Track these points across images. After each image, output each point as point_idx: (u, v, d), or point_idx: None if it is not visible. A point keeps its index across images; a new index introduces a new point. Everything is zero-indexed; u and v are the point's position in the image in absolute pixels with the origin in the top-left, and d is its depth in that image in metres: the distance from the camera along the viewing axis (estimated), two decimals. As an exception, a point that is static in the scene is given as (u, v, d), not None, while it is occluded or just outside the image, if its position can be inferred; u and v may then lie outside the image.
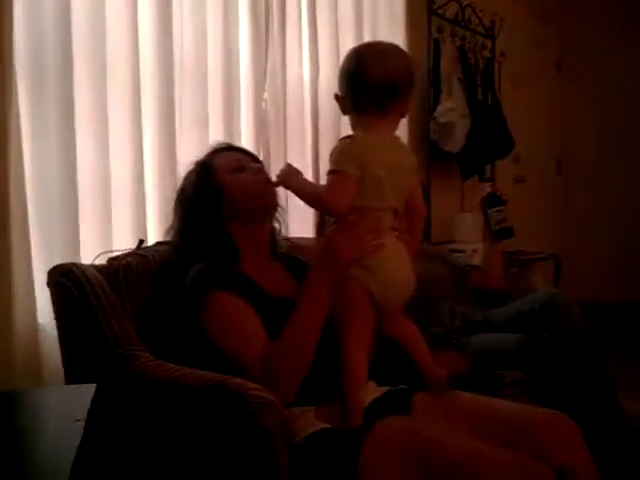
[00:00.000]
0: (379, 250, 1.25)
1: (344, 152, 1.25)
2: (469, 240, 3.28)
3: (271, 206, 1.52)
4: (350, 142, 1.27)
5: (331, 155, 1.27)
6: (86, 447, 0.77)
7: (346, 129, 2.53)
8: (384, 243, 1.25)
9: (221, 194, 1.47)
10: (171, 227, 1.55)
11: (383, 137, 1.29)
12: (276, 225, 1.60)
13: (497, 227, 2.19)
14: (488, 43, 3.71)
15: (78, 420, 0.86)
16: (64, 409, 1.05)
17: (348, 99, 1.30)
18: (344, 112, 1.33)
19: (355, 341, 1.23)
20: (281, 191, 1.51)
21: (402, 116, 1.33)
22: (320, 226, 1.40)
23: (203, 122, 2.06)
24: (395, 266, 1.28)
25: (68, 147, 1.69)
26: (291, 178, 1.31)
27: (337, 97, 1.33)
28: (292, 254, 1.76)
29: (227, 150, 1.59)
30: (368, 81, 1.25)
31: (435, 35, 3.33)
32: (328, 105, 2.49)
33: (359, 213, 1.26)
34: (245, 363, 1.26)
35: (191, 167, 1.56)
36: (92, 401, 0.95)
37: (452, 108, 3.24)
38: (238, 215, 1.47)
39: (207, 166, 1.52)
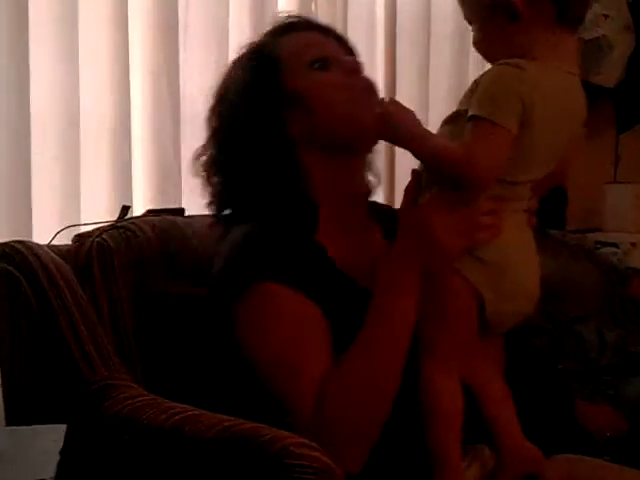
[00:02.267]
0: (495, 238, 1.24)
1: (507, 92, 1.19)
2: (626, 228, 3.26)
3: (371, 131, 1.35)
4: (517, 73, 1.20)
5: (479, 88, 1.21)
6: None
7: (439, 60, 2.59)
8: (501, 229, 1.24)
9: (294, 106, 1.39)
10: (206, 164, 1.46)
11: (564, 71, 1.25)
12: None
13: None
14: None
15: (42, 481, 0.89)
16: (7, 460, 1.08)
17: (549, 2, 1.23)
18: (511, 19, 1.24)
19: (444, 365, 1.25)
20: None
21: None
22: (413, 191, 1.36)
23: (219, 36, 2.09)
24: (523, 266, 1.28)
25: (18, 71, 1.74)
26: (399, 122, 1.24)
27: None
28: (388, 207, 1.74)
29: (300, 30, 1.48)
30: None
31: None
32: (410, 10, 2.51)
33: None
34: (291, 401, 1.26)
35: (239, 55, 1.47)
36: (61, 452, 0.97)
37: (606, 16, 3.20)
38: (320, 142, 1.40)
39: (268, 56, 1.42)
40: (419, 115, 1.28)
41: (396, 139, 1.27)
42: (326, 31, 1.50)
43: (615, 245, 3.15)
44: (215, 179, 1.45)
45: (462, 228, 1.23)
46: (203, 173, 1.47)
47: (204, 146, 1.47)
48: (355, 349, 1.26)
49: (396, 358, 1.26)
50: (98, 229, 1.60)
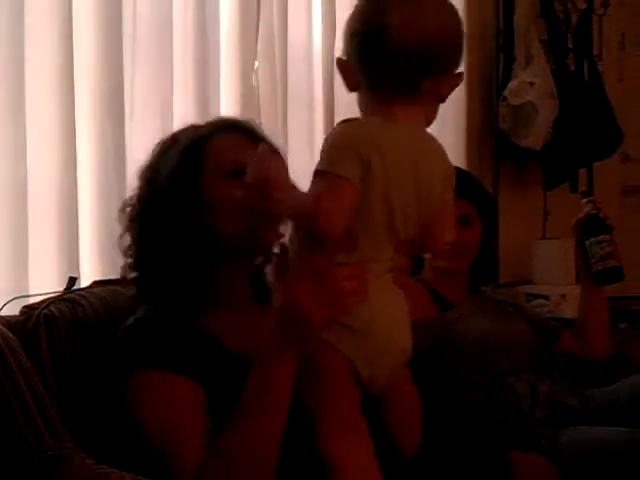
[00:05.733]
0: (362, 303, 1.23)
1: (345, 143, 1.20)
2: (555, 281, 3.30)
3: (266, 249, 1.51)
4: (355, 128, 1.22)
5: (324, 145, 1.23)
6: None
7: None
8: (368, 293, 1.23)
9: (202, 206, 1.47)
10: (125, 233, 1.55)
11: (408, 130, 1.24)
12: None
13: (599, 266, 2.18)
14: (584, -12, 3.75)
15: None
16: None
17: (358, 69, 1.26)
18: (351, 87, 1.29)
19: (336, 434, 1.23)
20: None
21: (441, 100, 1.28)
22: (280, 264, 1.37)
23: (164, 107, 2.11)
24: (390, 327, 1.27)
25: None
26: (263, 172, 1.26)
27: (341, 64, 1.28)
28: None
29: (238, 131, 1.55)
30: (392, 45, 1.20)
31: (507, -24, 3.38)
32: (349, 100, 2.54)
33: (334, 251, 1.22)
34: (175, 476, 1.29)
35: (177, 133, 1.57)
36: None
37: (531, 83, 3.27)
38: (222, 246, 1.48)
39: (196, 150, 1.49)
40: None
41: (260, 187, 1.27)
42: (258, 141, 1.52)
43: (545, 297, 3.19)
44: (132, 236, 1.53)
45: (327, 297, 1.21)
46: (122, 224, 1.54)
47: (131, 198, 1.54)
48: (230, 427, 1.28)
49: (271, 432, 1.26)
50: (45, 300, 1.60)
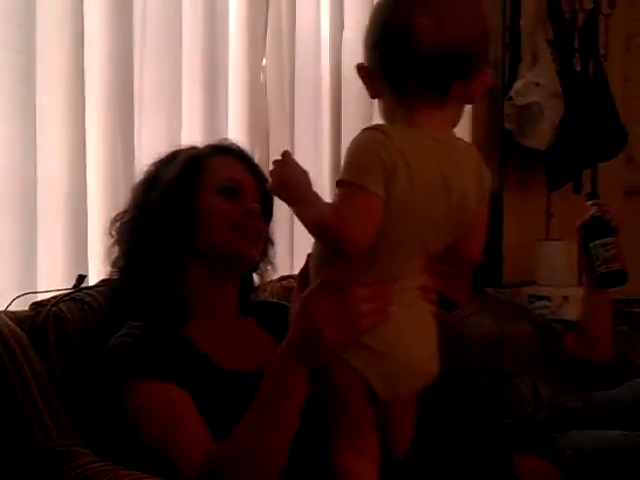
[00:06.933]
0: (383, 324, 1.19)
1: (367, 150, 1.15)
2: (558, 282, 3.31)
3: (247, 266, 1.63)
4: (381, 138, 1.15)
5: (347, 152, 1.19)
6: None
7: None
8: (389, 315, 1.19)
9: (192, 217, 1.55)
10: (116, 241, 1.62)
11: (436, 136, 1.20)
12: (255, 276, 1.71)
13: (604, 269, 2.19)
14: (591, -12, 3.75)
15: None
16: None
17: (381, 74, 1.21)
18: (373, 94, 1.25)
19: (348, 445, 1.23)
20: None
21: (471, 101, 1.24)
22: (303, 276, 1.32)
23: (173, 103, 2.12)
24: (412, 348, 1.23)
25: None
26: (288, 182, 1.23)
27: (361, 70, 1.25)
28: (272, 301, 1.84)
29: (235, 156, 1.65)
30: (422, 49, 1.16)
31: (513, -24, 3.39)
32: (357, 79, 2.54)
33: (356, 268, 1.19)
34: (178, 474, 1.30)
35: (181, 150, 1.65)
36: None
37: (537, 84, 3.28)
38: (203, 255, 1.56)
39: (196, 165, 1.59)
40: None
41: (283, 198, 1.25)
42: (254, 168, 1.66)
43: (548, 299, 3.20)
44: (122, 247, 1.61)
45: (343, 315, 1.18)
46: (115, 236, 1.63)
47: (123, 213, 1.63)
48: (238, 432, 1.29)
49: (280, 442, 1.27)
50: (55, 297, 1.62)
